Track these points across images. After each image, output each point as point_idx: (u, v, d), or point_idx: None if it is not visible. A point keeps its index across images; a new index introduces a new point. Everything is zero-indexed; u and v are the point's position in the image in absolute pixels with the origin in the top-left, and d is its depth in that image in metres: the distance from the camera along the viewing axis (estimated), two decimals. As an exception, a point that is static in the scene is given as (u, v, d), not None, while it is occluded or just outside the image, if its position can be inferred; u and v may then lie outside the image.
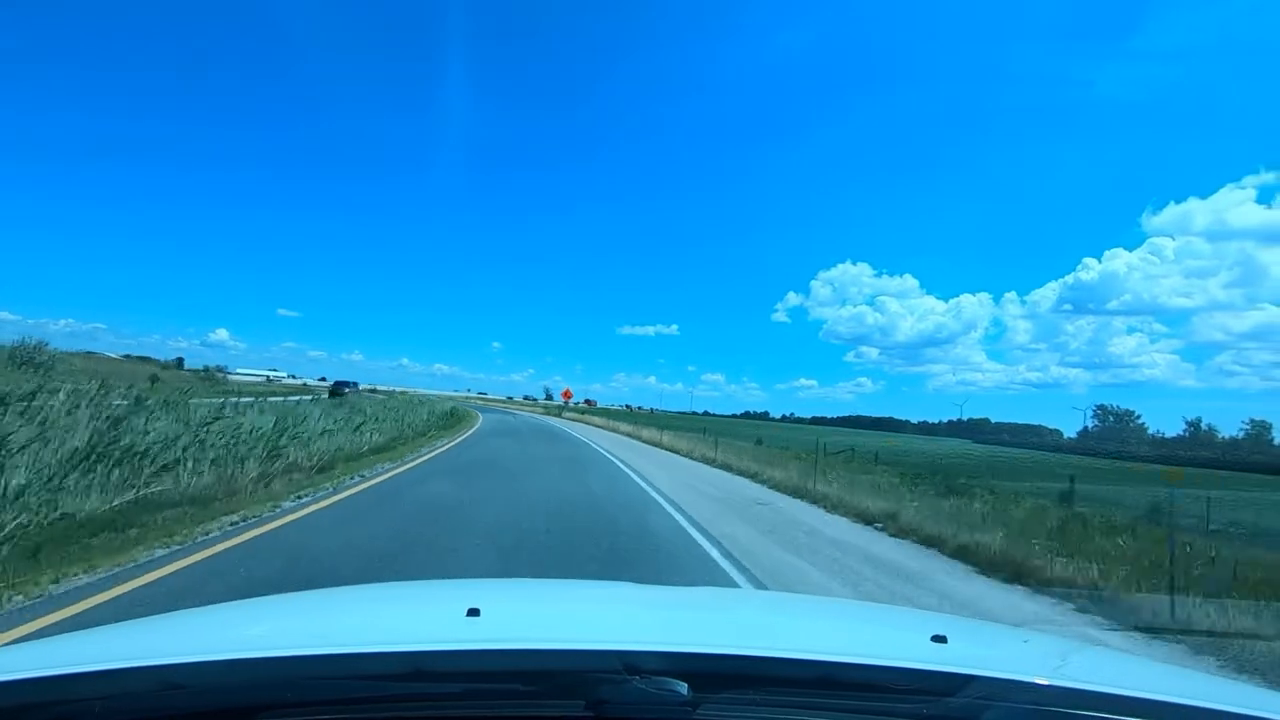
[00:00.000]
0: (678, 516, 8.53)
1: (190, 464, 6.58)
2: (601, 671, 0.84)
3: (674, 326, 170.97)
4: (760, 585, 5.49)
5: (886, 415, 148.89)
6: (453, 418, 28.54)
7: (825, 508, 10.48)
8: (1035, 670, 0.98)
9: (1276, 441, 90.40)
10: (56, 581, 4.09)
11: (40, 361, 29.01)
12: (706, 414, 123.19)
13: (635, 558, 5.94)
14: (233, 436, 8.16)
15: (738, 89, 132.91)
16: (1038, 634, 1.54)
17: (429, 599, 1.60)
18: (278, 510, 6.70)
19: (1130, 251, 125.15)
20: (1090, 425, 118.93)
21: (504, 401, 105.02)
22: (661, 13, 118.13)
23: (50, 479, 5.11)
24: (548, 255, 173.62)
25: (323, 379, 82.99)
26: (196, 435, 7.48)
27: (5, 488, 4.70)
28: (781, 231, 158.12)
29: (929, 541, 7.89)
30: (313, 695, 0.82)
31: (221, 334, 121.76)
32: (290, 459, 8.62)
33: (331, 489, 8.34)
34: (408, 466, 11.90)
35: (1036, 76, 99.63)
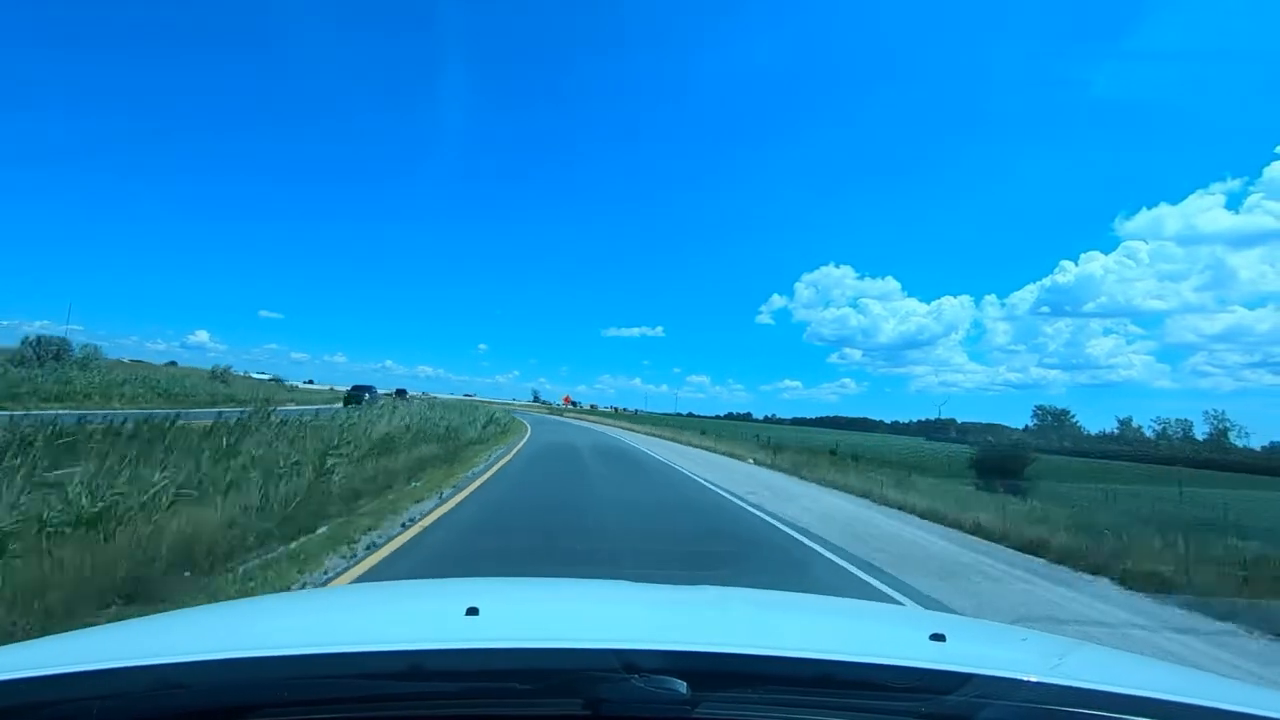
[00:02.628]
0: (637, 445, 24.57)
1: (484, 425, 22.41)
2: (600, 670, 0.86)
3: (659, 328, 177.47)
4: (647, 456, 21.13)
5: (862, 416, 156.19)
6: (505, 415, 44.86)
7: (692, 447, 27.27)
8: (1033, 668, 1.00)
9: (1199, 437, 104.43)
10: (488, 454, 19.72)
11: (228, 378, 45.06)
12: (691, 415, 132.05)
13: (620, 456, 21.67)
14: (474, 416, 24.05)
15: (722, 92, 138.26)
16: (1036, 632, 1.63)
17: (427, 598, 1.65)
18: (517, 442, 22.41)
19: (1106, 255, 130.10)
20: (1031, 424, 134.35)
21: (499, 403, 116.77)
22: (646, 17, 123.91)
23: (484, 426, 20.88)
24: (533, 257, 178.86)
25: (309, 381, 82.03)
26: (490, 417, 23.51)
27: (477, 430, 20.47)
28: (765, 234, 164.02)
29: (732, 454, 23.81)
30: (311, 694, 0.85)
31: (201, 335, 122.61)
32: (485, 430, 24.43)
33: (519, 440, 24.07)
34: (529, 433, 27.94)
35: (1014, 82, 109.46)
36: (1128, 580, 6.72)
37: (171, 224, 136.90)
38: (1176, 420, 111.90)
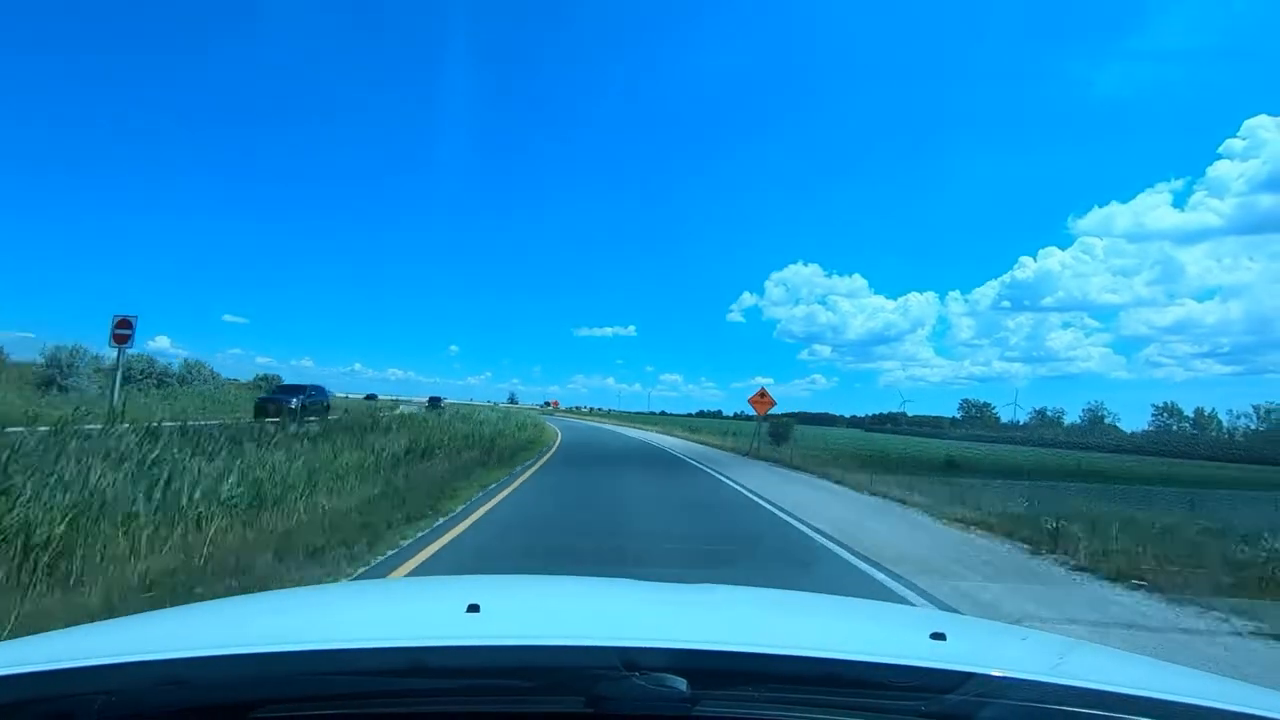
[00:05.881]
0: (601, 426, 44.91)
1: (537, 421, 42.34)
2: (601, 668, 0.89)
3: (631, 328, 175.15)
4: (609, 431, 41.05)
5: (825, 411, 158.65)
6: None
7: (634, 428, 48.30)
8: (1033, 668, 1.03)
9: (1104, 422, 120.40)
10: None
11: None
12: (664, 414, 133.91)
13: (596, 430, 41.69)
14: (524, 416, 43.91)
15: (691, 93, 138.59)
16: (1036, 631, 1.68)
17: (429, 595, 1.71)
18: (559, 429, 42.39)
19: (1063, 250, 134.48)
20: (959, 415, 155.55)
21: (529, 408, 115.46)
22: (614, 17, 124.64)
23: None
24: (505, 258, 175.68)
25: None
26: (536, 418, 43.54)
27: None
28: (735, 233, 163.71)
29: (659, 430, 44.08)
30: (313, 690, 0.88)
31: (162, 341, 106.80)
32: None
33: (558, 428, 43.90)
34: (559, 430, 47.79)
35: (973, 84, 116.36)
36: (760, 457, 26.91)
37: (128, 225, 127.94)
38: (1085, 409, 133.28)
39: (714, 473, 17.51)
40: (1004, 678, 0.96)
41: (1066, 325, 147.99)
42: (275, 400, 24.36)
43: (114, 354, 14.99)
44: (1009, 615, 5.16)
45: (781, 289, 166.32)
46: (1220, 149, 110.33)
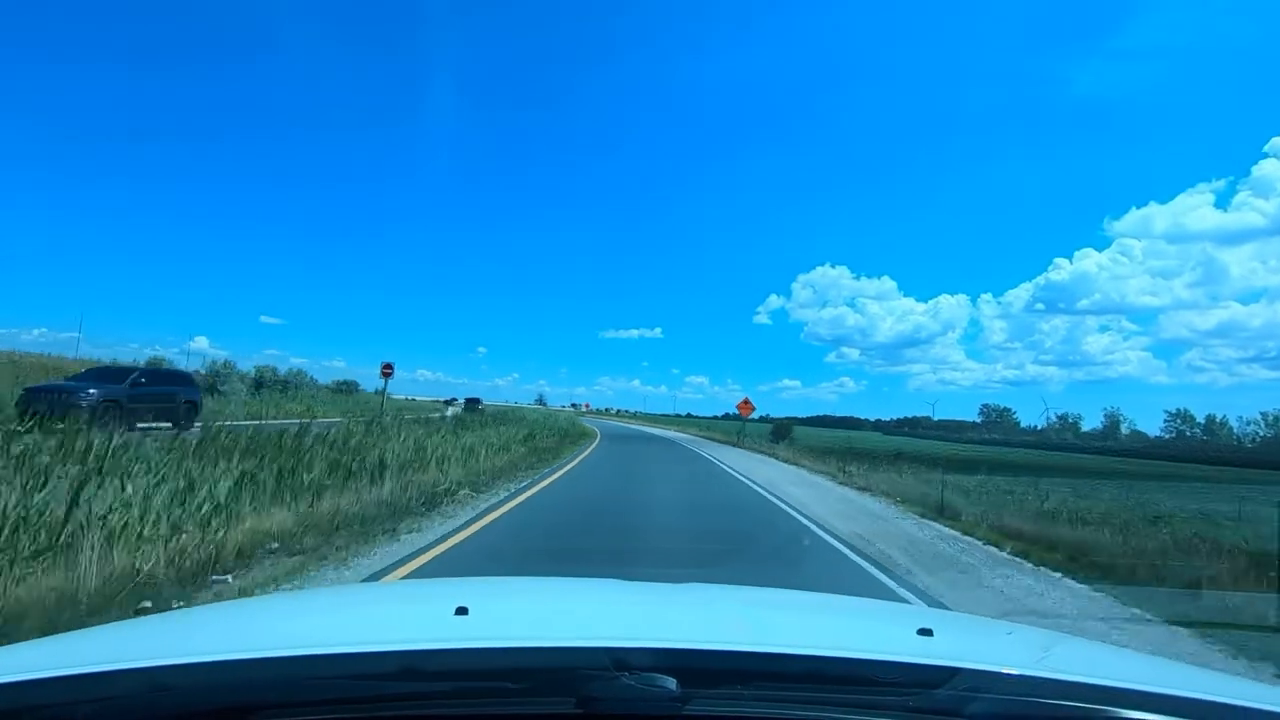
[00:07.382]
0: (619, 424, 55.49)
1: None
2: (590, 668, 0.91)
3: (657, 330, 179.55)
4: (630, 429, 51.48)
5: (850, 415, 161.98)
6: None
7: (652, 426, 59.14)
8: (1019, 662, 1.07)
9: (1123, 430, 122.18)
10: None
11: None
12: (689, 415, 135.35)
13: (621, 426, 52.36)
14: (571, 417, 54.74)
15: (718, 96, 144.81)
16: (1022, 626, 1.77)
17: (417, 598, 1.76)
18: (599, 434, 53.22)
19: (1099, 252, 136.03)
20: (979, 419, 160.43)
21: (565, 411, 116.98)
22: (642, 17, 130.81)
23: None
24: (532, 261, 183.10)
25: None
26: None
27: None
28: (762, 235, 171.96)
29: (683, 431, 54.42)
30: (301, 696, 0.90)
31: (201, 342, 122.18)
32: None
33: (598, 432, 54.72)
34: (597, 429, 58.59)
35: (1006, 83, 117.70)
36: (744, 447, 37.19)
37: (171, 230, 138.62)
38: (1105, 413, 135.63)
39: (697, 451, 29.33)
40: (990, 672, 1.00)
41: (1104, 329, 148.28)
42: (55, 391, 14.89)
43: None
44: (792, 493, 15.19)
45: (809, 291, 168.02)
46: (1266, 147, 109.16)
